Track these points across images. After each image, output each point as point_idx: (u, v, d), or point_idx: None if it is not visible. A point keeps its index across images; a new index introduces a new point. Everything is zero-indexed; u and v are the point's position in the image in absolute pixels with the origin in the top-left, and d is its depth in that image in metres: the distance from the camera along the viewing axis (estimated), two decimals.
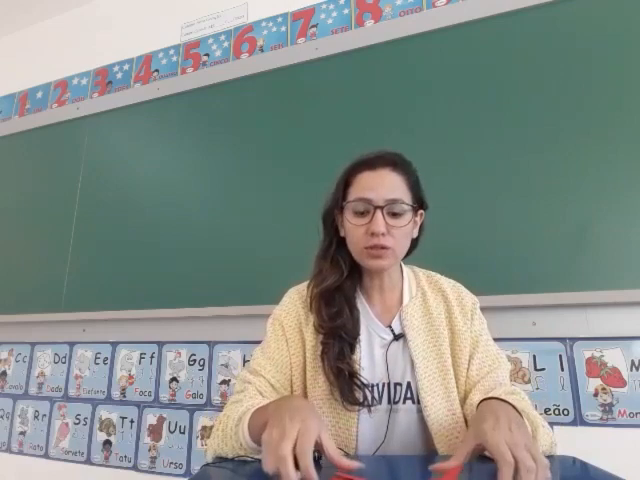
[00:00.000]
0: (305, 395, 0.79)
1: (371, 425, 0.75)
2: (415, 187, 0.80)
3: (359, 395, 0.74)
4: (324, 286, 0.81)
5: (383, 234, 0.74)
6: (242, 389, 0.77)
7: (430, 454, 0.74)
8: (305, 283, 0.87)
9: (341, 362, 0.75)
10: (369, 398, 0.75)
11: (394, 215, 0.76)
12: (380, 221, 0.74)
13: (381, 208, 0.75)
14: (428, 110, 1.37)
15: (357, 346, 0.78)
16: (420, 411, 0.74)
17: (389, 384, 0.77)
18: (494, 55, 1.32)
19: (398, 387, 0.77)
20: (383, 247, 0.75)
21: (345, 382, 0.73)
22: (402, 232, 0.77)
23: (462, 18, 1.37)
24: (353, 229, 0.78)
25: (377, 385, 0.77)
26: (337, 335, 0.76)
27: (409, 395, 0.76)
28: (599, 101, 1.20)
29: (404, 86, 1.42)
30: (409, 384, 0.76)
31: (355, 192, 0.78)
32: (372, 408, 0.75)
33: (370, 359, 0.79)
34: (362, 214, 0.77)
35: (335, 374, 0.74)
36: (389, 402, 0.76)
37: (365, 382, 0.75)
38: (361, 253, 0.78)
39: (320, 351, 0.77)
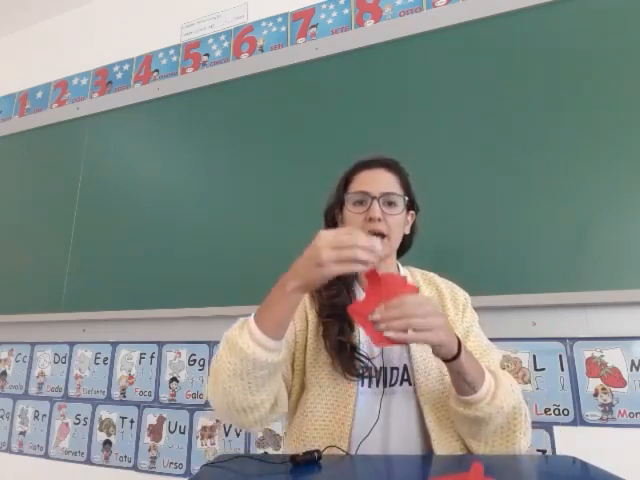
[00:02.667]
0: (304, 376, 0.82)
1: (368, 403, 0.78)
2: (406, 187, 0.88)
3: (359, 367, 0.78)
4: None
5: (379, 219, 0.81)
6: None
7: (428, 454, 0.74)
8: None
9: (342, 336, 0.80)
10: (369, 367, 0.79)
11: (389, 205, 0.84)
12: (377, 208, 0.82)
13: (377, 199, 0.83)
14: (428, 110, 1.37)
15: (356, 325, 0.82)
16: (415, 392, 0.78)
17: (385, 369, 0.81)
18: (494, 55, 1.32)
19: (395, 371, 0.81)
20: (380, 234, 0.81)
21: (346, 354, 0.78)
22: (396, 221, 0.84)
23: (462, 18, 1.37)
24: (352, 217, 0.85)
25: (373, 368, 0.80)
26: (337, 314, 0.81)
27: (405, 377, 0.80)
28: (599, 101, 1.19)
29: (404, 86, 1.42)
30: (405, 367, 0.81)
31: (354, 187, 0.87)
32: (371, 386, 0.79)
33: (368, 343, 0.82)
34: (361, 205, 0.84)
35: (336, 349, 0.79)
36: (385, 385, 0.80)
37: (365, 354, 0.79)
38: None
39: (322, 332, 0.82)
